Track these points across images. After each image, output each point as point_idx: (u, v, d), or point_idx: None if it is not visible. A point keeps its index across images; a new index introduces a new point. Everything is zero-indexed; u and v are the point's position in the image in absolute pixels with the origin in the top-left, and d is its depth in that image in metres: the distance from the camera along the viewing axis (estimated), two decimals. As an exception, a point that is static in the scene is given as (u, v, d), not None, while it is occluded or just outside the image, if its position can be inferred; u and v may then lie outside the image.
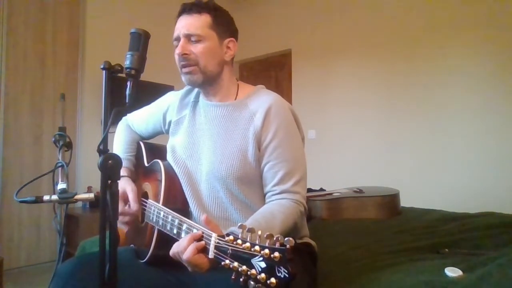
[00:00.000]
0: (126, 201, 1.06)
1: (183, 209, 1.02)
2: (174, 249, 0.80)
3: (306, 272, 1.00)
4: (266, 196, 1.03)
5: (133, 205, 1.05)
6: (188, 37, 1.03)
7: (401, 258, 1.27)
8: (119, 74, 0.83)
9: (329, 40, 3.89)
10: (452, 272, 1.06)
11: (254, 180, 1.04)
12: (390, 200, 2.04)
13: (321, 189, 2.43)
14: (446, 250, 1.40)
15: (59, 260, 0.91)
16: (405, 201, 2.20)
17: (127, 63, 0.82)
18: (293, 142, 1.06)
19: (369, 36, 3.58)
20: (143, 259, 0.99)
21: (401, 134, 3.36)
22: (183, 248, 0.77)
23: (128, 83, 0.83)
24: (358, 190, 2.16)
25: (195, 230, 0.77)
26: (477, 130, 2.93)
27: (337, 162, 3.77)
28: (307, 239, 1.14)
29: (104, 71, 0.80)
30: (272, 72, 4.57)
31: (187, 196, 1.05)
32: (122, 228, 1.14)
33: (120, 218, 1.04)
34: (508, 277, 0.97)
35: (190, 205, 1.04)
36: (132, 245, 1.12)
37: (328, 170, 3.73)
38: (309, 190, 2.38)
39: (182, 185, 1.05)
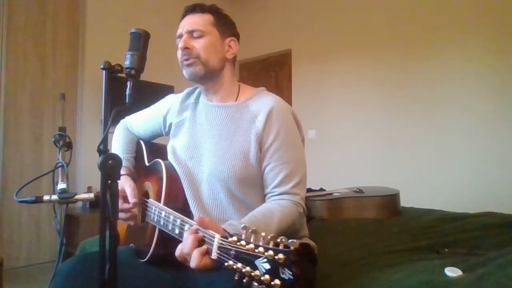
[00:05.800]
0: (124, 198, 1.07)
1: (184, 209, 1.02)
2: (179, 252, 0.81)
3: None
4: (266, 197, 1.05)
5: (131, 200, 1.05)
6: (190, 33, 1.06)
7: (401, 258, 1.27)
8: (119, 74, 0.83)
9: (329, 40, 3.90)
10: (452, 272, 1.06)
11: (255, 181, 1.05)
12: (390, 200, 2.04)
13: (321, 189, 2.43)
14: (446, 250, 1.40)
15: (59, 260, 0.91)
16: (405, 201, 2.20)
17: (127, 63, 0.82)
18: (294, 144, 1.07)
19: (369, 36, 3.58)
20: (144, 259, 0.99)
21: (401, 134, 3.36)
22: (188, 251, 0.77)
23: (128, 83, 0.83)
24: (358, 190, 2.16)
25: (200, 233, 0.78)
26: (477, 130, 2.93)
27: (337, 162, 3.78)
28: (306, 240, 1.14)
29: (104, 71, 0.80)
30: (272, 72, 4.57)
31: (187, 196, 1.05)
32: (122, 224, 1.14)
33: (120, 215, 1.04)
34: (508, 277, 0.96)
35: (190, 205, 1.04)
36: (132, 245, 1.12)
37: (328, 170, 3.72)
38: (309, 190, 2.38)
39: (183, 185, 1.06)
